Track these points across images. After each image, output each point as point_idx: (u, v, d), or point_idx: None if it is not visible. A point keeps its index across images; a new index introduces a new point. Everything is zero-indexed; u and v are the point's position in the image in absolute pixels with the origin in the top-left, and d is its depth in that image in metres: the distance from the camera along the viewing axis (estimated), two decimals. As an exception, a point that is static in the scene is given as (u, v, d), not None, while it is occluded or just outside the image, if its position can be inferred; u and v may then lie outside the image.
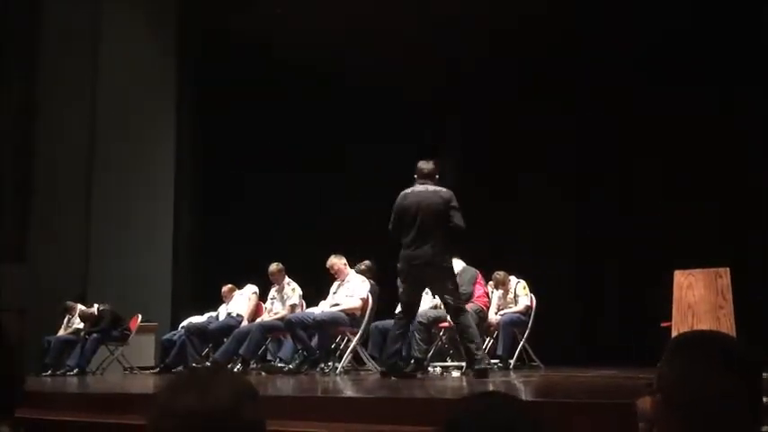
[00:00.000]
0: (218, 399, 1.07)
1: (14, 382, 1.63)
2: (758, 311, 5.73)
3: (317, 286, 7.77)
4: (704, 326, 4.59)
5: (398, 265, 5.52)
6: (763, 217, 7.05)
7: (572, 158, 8.70)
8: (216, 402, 1.07)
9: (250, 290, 8.20)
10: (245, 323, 7.82)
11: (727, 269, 4.77)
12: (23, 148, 10.29)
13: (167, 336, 8.59)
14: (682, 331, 4.67)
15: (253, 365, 7.44)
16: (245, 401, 1.10)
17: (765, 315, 6.01)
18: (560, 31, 8.54)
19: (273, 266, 7.67)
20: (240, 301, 8.20)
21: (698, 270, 4.82)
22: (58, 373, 8.36)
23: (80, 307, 9.12)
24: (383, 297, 7.47)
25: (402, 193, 5.56)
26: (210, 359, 7.44)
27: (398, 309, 8.02)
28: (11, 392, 1.59)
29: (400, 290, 5.66)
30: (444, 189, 5.49)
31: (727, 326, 4.54)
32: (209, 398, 1.07)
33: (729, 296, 4.66)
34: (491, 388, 4.76)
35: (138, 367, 9.06)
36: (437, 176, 5.62)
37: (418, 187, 5.55)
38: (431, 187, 5.50)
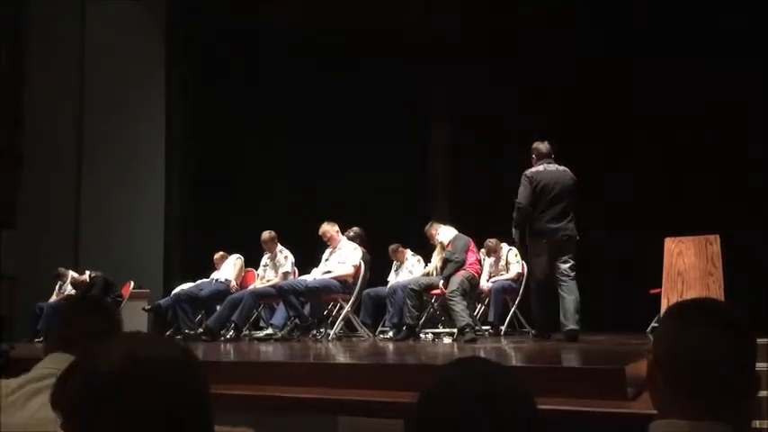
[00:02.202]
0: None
1: None
2: (747, 279, 5.78)
3: (310, 255, 7.79)
4: (694, 293, 4.62)
5: (533, 237, 5.78)
6: (752, 185, 7.10)
7: (562, 125, 8.67)
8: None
9: (234, 257, 8.26)
10: (233, 286, 7.85)
11: (717, 236, 4.79)
12: (11, 115, 10.19)
13: (160, 302, 8.59)
14: (671, 297, 4.73)
15: (245, 332, 7.48)
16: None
17: (754, 282, 6.06)
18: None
19: (266, 234, 7.66)
20: (226, 267, 8.23)
21: (688, 237, 4.84)
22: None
23: (72, 273, 9.13)
24: (374, 265, 7.51)
25: (534, 170, 5.83)
26: (203, 325, 7.46)
27: (392, 276, 8.12)
28: None
29: (535, 260, 5.83)
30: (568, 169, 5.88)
31: (716, 293, 4.58)
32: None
33: (719, 263, 4.69)
34: (481, 353, 4.82)
35: (131, 333, 9.06)
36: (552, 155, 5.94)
37: (550, 166, 5.87)
38: (560, 167, 5.89)
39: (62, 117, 10.26)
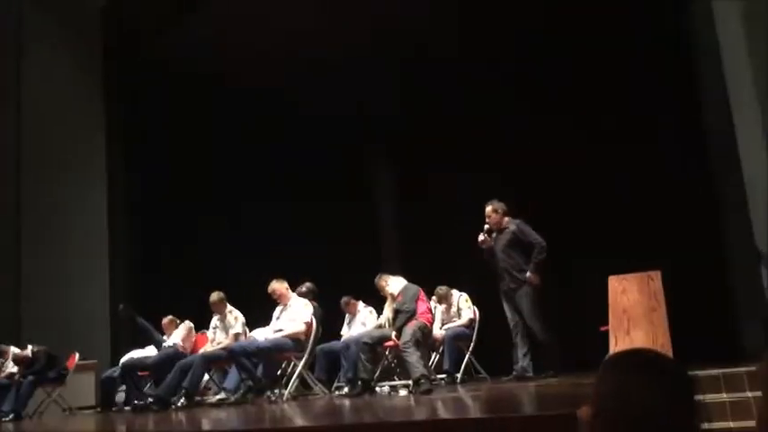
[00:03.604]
0: None
1: None
2: (691, 311, 5.91)
3: (260, 314, 7.69)
4: (640, 329, 4.72)
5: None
6: (692, 217, 7.29)
7: (505, 165, 8.83)
8: None
9: (186, 324, 8.17)
10: (180, 347, 7.74)
11: (659, 272, 4.92)
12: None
13: (107, 373, 8.34)
14: (618, 334, 4.81)
15: (197, 398, 7.29)
16: None
17: (697, 315, 6.20)
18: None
19: (214, 296, 7.55)
20: (176, 334, 8.09)
21: (631, 275, 4.97)
22: (-7, 420, 8.01)
23: (13, 349, 8.79)
24: (327, 318, 7.46)
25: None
26: (154, 394, 7.23)
27: (345, 329, 8.06)
28: None
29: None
30: None
31: (661, 327, 4.68)
32: None
33: (662, 298, 4.81)
34: (438, 404, 4.79)
35: (78, 407, 8.75)
36: None
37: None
38: None
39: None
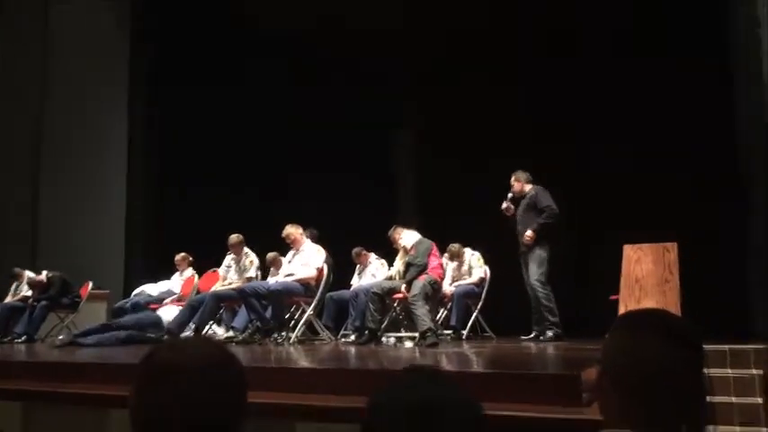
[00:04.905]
0: (191, 357, 1.19)
1: None
2: (703, 285, 5.88)
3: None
4: (651, 299, 4.70)
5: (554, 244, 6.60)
6: (710, 191, 7.20)
7: (523, 130, 8.72)
8: (189, 360, 1.18)
9: (191, 271, 8.49)
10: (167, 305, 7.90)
11: (675, 244, 4.88)
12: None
13: (119, 304, 8.46)
14: (629, 304, 4.80)
15: (206, 333, 7.39)
16: (217, 361, 1.22)
17: (709, 289, 6.17)
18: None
19: (234, 238, 7.61)
20: (185, 273, 8.51)
21: (646, 245, 4.93)
22: (5, 340, 8.19)
23: (28, 274, 8.94)
24: (337, 269, 7.49)
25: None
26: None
27: (355, 279, 8.11)
28: None
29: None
30: None
31: (673, 299, 4.66)
32: (184, 356, 1.19)
33: (676, 270, 4.78)
34: (442, 357, 4.83)
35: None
36: None
37: None
38: None
39: (19, 115, 10.05)
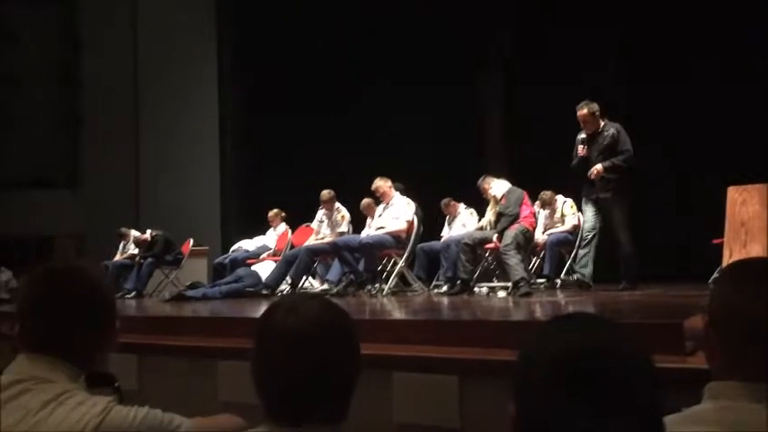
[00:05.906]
0: (313, 323, 1.26)
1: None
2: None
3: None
4: (757, 243, 4.48)
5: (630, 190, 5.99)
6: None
7: (615, 77, 8.40)
8: (311, 326, 1.25)
9: (284, 226, 8.63)
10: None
11: (783, 184, 4.61)
12: (68, 77, 10.43)
13: (218, 260, 8.82)
14: (734, 248, 4.59)
15: (302, 286, 7.60)
16: (333, 321, 1.30)
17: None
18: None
19: (325, 194, 7.72)
20: (279, 228, 8.65)
21: (752, 186, 4.67)
22: (117, 296, 8.68)
23: (134, 233, 9.41)
24: (428, 219, 7.49)
25: None
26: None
27: (446, 230, 8.11)
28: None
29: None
30: None
31: (781, 243, 4.43)
32: (305, 322, 1.26)
33: (785, 212, 4.52)
34: (536, 307, 4.80)
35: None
36: None
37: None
38: None
39: (118, 78, 10.45)
